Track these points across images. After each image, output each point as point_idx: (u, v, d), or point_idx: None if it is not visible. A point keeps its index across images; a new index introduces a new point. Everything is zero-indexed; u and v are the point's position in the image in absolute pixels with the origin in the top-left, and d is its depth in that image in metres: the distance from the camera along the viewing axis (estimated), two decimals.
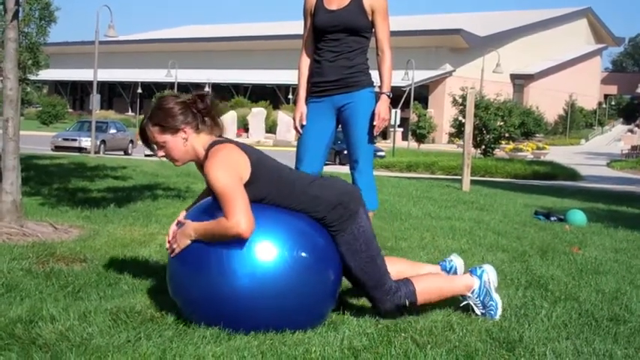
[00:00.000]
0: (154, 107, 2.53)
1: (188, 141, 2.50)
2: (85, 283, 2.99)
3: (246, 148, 2.50)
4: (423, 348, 2.29)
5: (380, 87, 3.63)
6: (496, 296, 2.73)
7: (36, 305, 2.57)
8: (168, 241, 2.50)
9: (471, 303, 2.72)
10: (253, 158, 2.47)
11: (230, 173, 2.37)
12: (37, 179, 7.83)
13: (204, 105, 2.52)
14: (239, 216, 2.31)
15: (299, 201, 2.49)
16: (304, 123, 3.64)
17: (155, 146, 2.55)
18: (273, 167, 2.53)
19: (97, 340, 2.23)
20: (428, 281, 2.73)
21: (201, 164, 2.52)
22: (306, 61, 3.70)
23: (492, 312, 2.70)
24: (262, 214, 2.42)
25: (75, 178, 8.26)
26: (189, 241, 2.40)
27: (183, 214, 2.59)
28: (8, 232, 4.05)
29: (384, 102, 3.54)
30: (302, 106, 3.66)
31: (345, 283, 3.13)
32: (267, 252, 2.35)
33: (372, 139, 3.60)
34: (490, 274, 2.75)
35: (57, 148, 23.41)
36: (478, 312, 2.71)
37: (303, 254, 2.39)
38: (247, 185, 2.42)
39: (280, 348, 2.22)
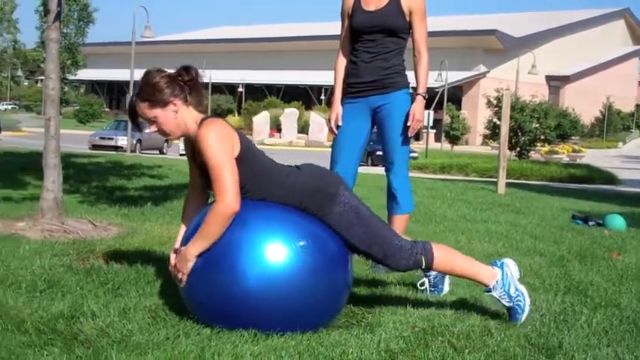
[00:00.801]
0: (140, 84, 2.55)
1: (179, 113, 2.52)
2: (124, 280, 3.04)
3: (236, 129, 2.53)
4: (460, 352, 2.27)
5: (415, 88, 3.61)
6: (521, 287, 2.64)
7: (77, 301, 2.63)
8: (173, 270, 2.52)
9: (496, 296, 2.62)
10: (243, 140, 2.50)
11: (224, 145, 2.41)
12: (76, 177, 7.98)
13: (189, 77, 2.54)
14: (229, 195, 2.35)
15: (278, 192, 2.50)
16: (340, 124, 3.64)
17: (147, 122, 2.57)
18: (257, 156, 2.54)
19: (136, 337, 2.27)
20: (452, 250, 2.72)
21: (192, 139, 2.53)
22: (342, 62, 3.70)
23: (520, 302, 2.60)
24: (272, 214, 2.44)
25: (112, 177, 8.40)
26: (191, 264, 2.42)
27: (179, 239, 2.63)
28: (50, 229, 4.15)
29: (419, 103, 3.52)
30: (338, 107, 3.66)
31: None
32: (277, 253, 2.35)
33: (407, 141, 3.58)
34: (511, 267, 2.67)
35: (94, 146, 23.93)
36: (505, 304, 2.61)
37: (301, 243, 2.38)
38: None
39: (317, 349, 2.22)
